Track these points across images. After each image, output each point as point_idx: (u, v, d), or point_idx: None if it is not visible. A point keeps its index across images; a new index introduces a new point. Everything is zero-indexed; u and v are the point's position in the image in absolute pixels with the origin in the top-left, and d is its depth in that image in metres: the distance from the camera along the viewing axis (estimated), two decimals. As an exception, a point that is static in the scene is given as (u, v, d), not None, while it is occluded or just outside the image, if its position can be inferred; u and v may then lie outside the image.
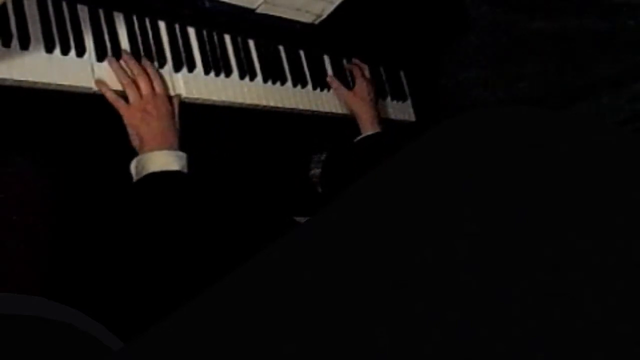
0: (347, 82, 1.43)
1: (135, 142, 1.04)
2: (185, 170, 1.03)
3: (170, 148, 1.03)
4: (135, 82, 1.04)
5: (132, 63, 1.05)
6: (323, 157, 1.48)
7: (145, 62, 1.07)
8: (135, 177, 1.03)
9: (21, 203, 1.01)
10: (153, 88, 1.05)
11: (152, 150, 1.01)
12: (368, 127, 1.38)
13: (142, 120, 1.02)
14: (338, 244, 0.34)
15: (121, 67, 1.04)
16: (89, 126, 1.10)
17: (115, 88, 1.04)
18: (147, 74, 1.05)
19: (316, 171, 1.48)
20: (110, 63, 1.03)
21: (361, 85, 1.40)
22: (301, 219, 1.24)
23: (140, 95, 1.03)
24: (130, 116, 1.03)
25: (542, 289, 0.28)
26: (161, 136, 1.03)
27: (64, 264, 1.06)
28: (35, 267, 1.00)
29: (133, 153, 1.07)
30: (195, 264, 0.97)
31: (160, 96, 1.05)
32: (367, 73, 1.45)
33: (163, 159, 1.01)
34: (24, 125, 1.03)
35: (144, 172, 1.01)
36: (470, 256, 0.30)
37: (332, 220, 0.37)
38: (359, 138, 1.39)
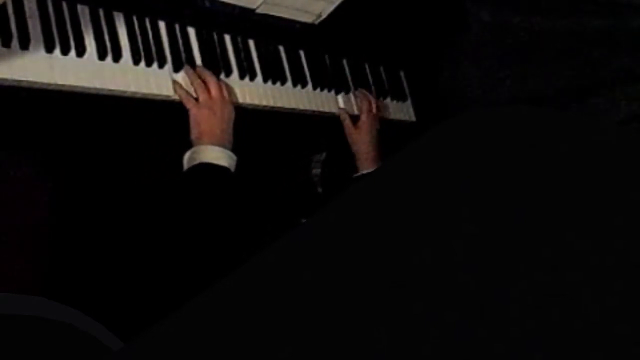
0: (348, 86, 1.42)
1: (194, 136, 1.12)
2: (233, 170, 1.11)
3: (225, 147, 1.12)
4: (206, 85, 1.13)
5: (206, 72, 1.15)
6: (323, 157, 1.48)
7: (212, 75, 1.16)
8: (186, 166, 1.11)
9: (21, 203, 1.01)
10: (222, 93, 1.14)
11: (208, 144, 1.10)
12: (366, 166, 1.38)
13: (206, 118, 1.11)
14: (337, 244, 0.34)
15: (195, 74, 1.14)
16: (89, 126, 1.10)
17: (114, 88, 1.04)
18: (218, 82, 1.15)
19: (316, 171, 1.48)
20: (186, 70, 1.13)
21: (365, 122, 1.39)
22: (302, 220, 1.24)
23: (210, 97, 1.12)
24: (198, 112, 1.11)
25: (541, 289, 0.28)
26: (220, 135, 1.12)
27: (64, 264, 1.06)
28: (35, 267, 1.00)
29: (133, 154, 1.07)
30: (202, 261, 0.98)
31: (227, 101, 1.15)
32: (374, 107, 1.42)
33: (216, 154, 1.10)
34: (24, 125, 1.03)
35: (196, 162, 1.09)
36: (468, 257, 0.30)
37: (331, 221, 0.37)
38: (356, 175, 1.39)
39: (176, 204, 1.07)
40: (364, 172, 1.38)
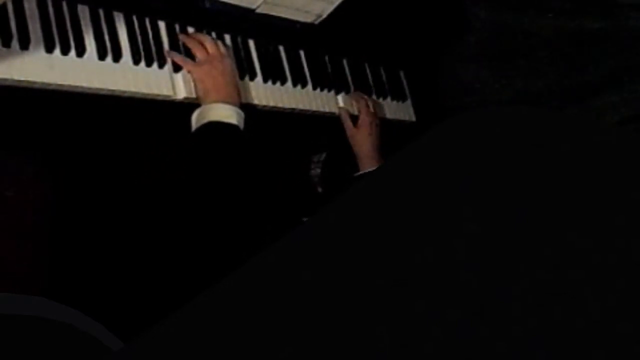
0: (348, 86, 1.43)
1: (200, 95, 1.11)
2: (242, 127, 1.09)
3: (232, 104, 1.10)
4: (202, 44, 1.13)
5: (199, 34, 1.15)
6: (323, 157, 1.49)
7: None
8: (194, 126, 1.09)
9: (21, 203, 1.01)
10: (219, 49, 1.14)
11: (215, 102, 1.09)
12: (367, 165, 1.38)
13: (208, 74, 1.10)
14: (338, 244, 0.34)
15: (188, 36, 1.14)
16: (89, 126, 1.10)
17: (114, 88, 1.04)
18: (213, 40, 1.15)
19: (316, 171, 1.48)
20: (182, 38, 1.13)
21: (365, 122, 1.39)
22: (302, 220, 1.24)
23: (207, 54, 1.12)
24: (198, 70, 1.10)
25: (542, 288, 0.28)
26: (225, 90, 1.10)
27: (64, 264, 1.06)
28: (35, 267, 1.00)
29: (133, 154, 1.07)
30: (201, 261, 0.98)
31: (225, 55, 1.14)
32: (372, 107, 1.43)
33: (224, 112, 1.08)
34: (24, 125, 1.03)
35: (204, 121, 1.07)
36: (470, 255, 0.30)
37: (332, 221, 0.37)
38: (357, 174, 1.39)
39: (187, 164, 1.06)
40: (365, 171, 1.38)
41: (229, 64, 1.14)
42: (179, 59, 1.11)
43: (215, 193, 1.02)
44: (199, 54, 1.12)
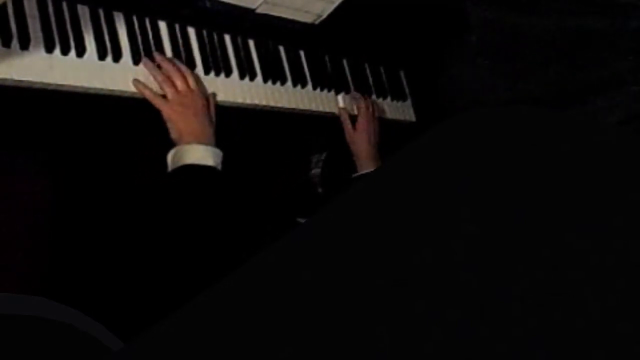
0: (348, 86, 1.43)
1: (174, 135, 1.07)
2: (219, 167, 1.07)
3: (207, 143, 1.07)
4: (170, 80, 1.08)
5: (167, 63, 1.09)
6: (323, 157, 1.48)
7: (178, 62, 1.11)
8: (170, 167, 1.06)
9: (21, 203, 1.01)
10: (188, 84, 1.09)
11: (189, 143, 1.06)
12: (365, 166, 1.38)
13: (180, 114, 1.06)
14: (337, 244, 0.34)
15: (156, 67, 1.08)
16: (89, 126, 1.10)
17: (114, 88, 1.04)
18: (182, 72, 1.09)
19: (316, 171, 1.48)
20: (145, 64, 1.07)
21: (364, 123, 1.38)
22: (302, 220, 1.23)
23: (177, 91, 1.07)
24: (169, 110, 1.06)
25: (542, 288, 0.28)
26: (199, 130, 1.07)
27: (64, 264, 1.06)
28: (35, 267, 1.00)
29: (134, 154, 1.07)
30: (202, 261, 0.98)
31: (196, 92, 1.09)
32: (371, 109, 1.41)
33: (199, 153, 1.05)
34: (24, 125, 1.03)
35: (180, 163, 1.05)
36: (469, 256, 0.30)
37: (332, 221, 0.37)
38: (355, 175, 1.39)
39: (164, 207, 1.04)
40: (364, 172, 1.38)
41: (200, 99, 1.10)
42: (147, 93, 1.06)
43: (195, 232, 1.00)
44: (168, 91, 1.07)
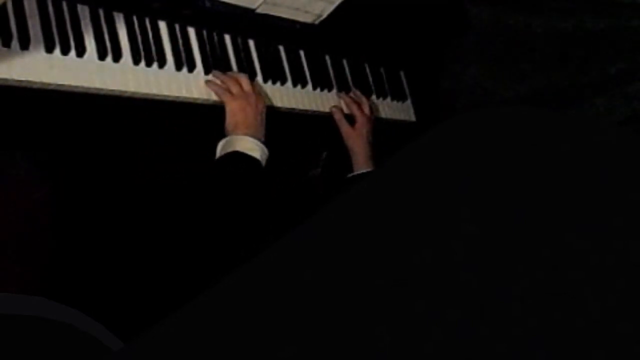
0: (348, 86, 1.42)
1: (230, 127, 1.16)
2: (263, 163, 1.15)
3: (258, 139, 1.16)
4: (238, 81, 1.18)
5: (232, 72, 1.21)
6: (323, 157, 1.48)
7: (243, 74, 1.22)
8: (219, 154, 1.14)
9: (21, 203, 1.01)
10: (253, 87, 1.20)
11: (243, 134, 1.14)
12: (361, 165, 1.37)
13: (242, 109, 1.15)
14: (338, 244, 0.34)
15: (223, 74, 1.19)
16: (89, 126, 1.10)
17: (114, 88, 1.04)
18: (246, 78, 1.20)
19: (316, 171, 1.48)
20: (215, 74, 1.19)
21: (360, 122, 1.38)
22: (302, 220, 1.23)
23: (243, 90, 1.17)
24: (234, 103, 1.16)
25: (542, 288, 0.28)
26: (254, 126, 1.16)
27: (64, 264, 1.06)
28: (35, 267, 1.00)
29: (133, 154, 1.07)
30: (201, 261, 0.98)
31: (259, 95, 1.20)
32: (366, 109, 1.41)
33: (250, 145, 1.14)
34: (24, 125, 1.03)
35: (230, 149, 1.13)
36: (469, 256, 0.30)
37: (331, 221, 0.37)
38: (351, 175, 1.38)
39: (205, 189, 1.09)
40: (360, 172, 1.37)
41: (262, 103, 1.20)
42: (217, 88, 1.16)
43: (225, 215, 1.06)
44: (234, 88, 1.17)
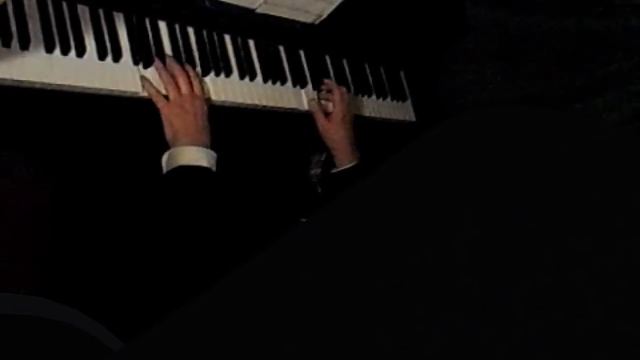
0: (348, 85, 1.42)
1: (169, 137, 1.08)
2: (214, 169, 1.08)
3: (202, 145, 1.08)
4: (175, 82, 1.09)
5: (175, 66, 1.11)
6: (323, 157, 1.48)
7: (187, 66, 1.13)
8: (165, 169, 1.07)
9: (21, 203, 1.01)
10: (192, 88, 1.11)
11: (184, 144, 1.06)
12: (344, 160, 1.33)
13: (178, 116, 1.08)
14: (338, 244, 0.34)
15: (164, 68, 1.10)
16: (90, 126, 1.10)
17: (114, 88, 1.04)
18: (188, 76, 1.11)
19: (316, 171, 1.48)
20: (155, 64, 1.09)
21: (338, 112, 1.32)
22: (302, 220, 1.23)
23: (180, 94, 1.09)
24: (169, 111, 1.08)
25: (544, 290, 0.28)
26: (195, 133, 1.08)
27: (64, 264, 1.06)
28: (35, 267, 1.00)
29: (133, 154, 1.07)
30: (200, 262, 0.98)
31: (198, 97, 1.11)
32: (345, 97, 1.35)
33: (194, 155, 1.06)
34: (24, 125, 1.03)
35: (175, 165, 1.05)
36: (471, 257, 0.30)
37: (331, 221, 0.37)
38: (335, 171, 1.35)
39: (160, 208, 1.04)
40: (344, 167, 1.33)
41: (201, 105, 1.11)
42: (152, 91, 1.08)
43: (191, 233, 1.01)
44: (171, 93, 1.08)
